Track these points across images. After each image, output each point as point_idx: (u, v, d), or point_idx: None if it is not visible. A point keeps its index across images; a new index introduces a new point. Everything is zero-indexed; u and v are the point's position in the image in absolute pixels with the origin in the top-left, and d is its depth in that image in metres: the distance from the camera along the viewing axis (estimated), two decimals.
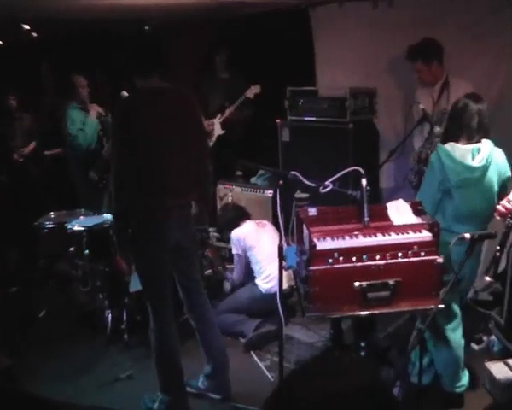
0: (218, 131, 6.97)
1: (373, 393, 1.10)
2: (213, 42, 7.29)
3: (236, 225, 5.36)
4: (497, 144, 3.63)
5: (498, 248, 3.15)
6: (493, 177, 3.52)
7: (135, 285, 4.61)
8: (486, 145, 3.52)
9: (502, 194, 3.55)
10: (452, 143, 3.54)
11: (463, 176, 3.47)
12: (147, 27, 6.99)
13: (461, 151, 3.50)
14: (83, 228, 4.92)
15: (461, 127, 3.56)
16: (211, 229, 6.20)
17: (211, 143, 6.99)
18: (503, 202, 3.29)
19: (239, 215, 5.47)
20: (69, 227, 4.98)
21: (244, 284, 5.31)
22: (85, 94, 6.22)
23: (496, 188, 3.55)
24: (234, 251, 5.27)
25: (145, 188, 3.61)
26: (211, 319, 4.05)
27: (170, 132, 3.58)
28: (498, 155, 3.58)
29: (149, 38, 3.79)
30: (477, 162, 3.46)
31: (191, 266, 3.93)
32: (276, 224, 4.40)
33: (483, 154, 3.48)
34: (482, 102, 3.61)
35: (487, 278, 3.11)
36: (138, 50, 3.70)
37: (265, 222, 5.39)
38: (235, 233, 5.28)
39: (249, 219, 5.47)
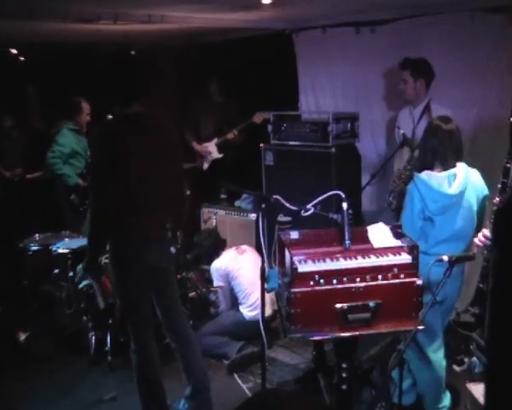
0: (215, 154, 7.01)
1: None
2: (207, 67, 7.37)
3: (215, 253, 5.36)
4: (476, 168, 3.71)
5: (480, 280, 3.21)
6: (471, 198, 3.59)
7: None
8: (461, 170, 3.58)
9: (481, 213, 3.63)
10: (429, 172, 3.58)
11: (442, 204, 3.53)
12: (133, 52, 7.06)
13: (437, 179, 3.55)
14: (67, 250, 4.94)
15: (434, 154, 3.62)
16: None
17: (206, 166, 7.04)
18: (480, 236, 3.35)
19: (216, 243, 5.46)
20: (54, 249, 5.00)
21: None
22: (86, 119, 6.29)
23: (475, 208, 3.61)
24: (216, 284, 5.23)
25: (124, 210, 3.64)
26: (190, 339, 4.03)
27: (146, 155, 3.63)
28: (474, 176, 3.64)
29: (129, 68, 3.81)
30: (454, 189, 3.52)
31: (168, 285, 3.94)
32: (259, 247, 4.43)
33: (459, 179, 3.54)
34: (452, 122, 3.66)
35: (473, 310, 3.16)
36: (117, 81, 3.76)
37: (245, 247, 5.36)
38: (215, 265, 5.24)
39: (225, 245, 5.48)
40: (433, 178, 3.56)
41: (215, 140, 6.99)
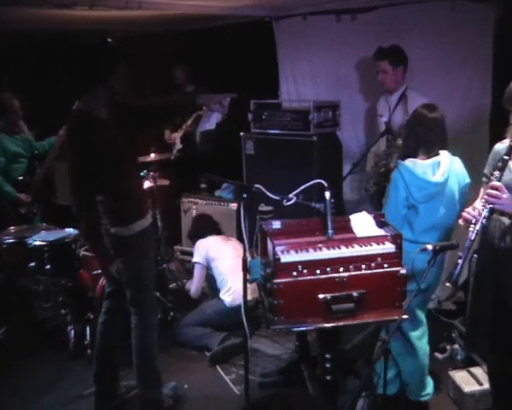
0: (178, 145, 7.00)
1: None
2: (177, 55, 7.29)
3: (204, 235, 5.37)
4: (457, 156, 3.69)
5: (460, 254, 3.15)
6: (454, 186, 3.57)
7: None
8: (445, 158, 3.57)
9: (462, 200, 3.60)
10: (413, 160, 3.56)
11: (426, 192, 3.50)
12: (109, 39, 6.94)
13: (422, 167, 3.53)
14: (44, 243, 4.82)
15: (418, 142, 3.60)
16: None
17: (172, 157, 6.99)
18: (469, 209, 3.28)
19: (211, 227, 5.52)
20: (30, 242, 4.88)
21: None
22: (15, 118, 5.66)
23: (457, 196, 3.59)
24: (195, 259, 5.24)
25: None
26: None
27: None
28: (457, 165, 3.62)
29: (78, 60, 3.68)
30: (438, 177, 3.50)
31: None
32: (240, 237, 4.39)
33: (443, 167, 3.52)
34: (437, 110, 3.64)
35: (448, 284, 3.11)
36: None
37: (232, 238, 5.44)
38: (200, 242, 5.30)
39: (217, 232, 5.51)
40: (418, 165, 3.54)
41: (179, 131, 6.99)
